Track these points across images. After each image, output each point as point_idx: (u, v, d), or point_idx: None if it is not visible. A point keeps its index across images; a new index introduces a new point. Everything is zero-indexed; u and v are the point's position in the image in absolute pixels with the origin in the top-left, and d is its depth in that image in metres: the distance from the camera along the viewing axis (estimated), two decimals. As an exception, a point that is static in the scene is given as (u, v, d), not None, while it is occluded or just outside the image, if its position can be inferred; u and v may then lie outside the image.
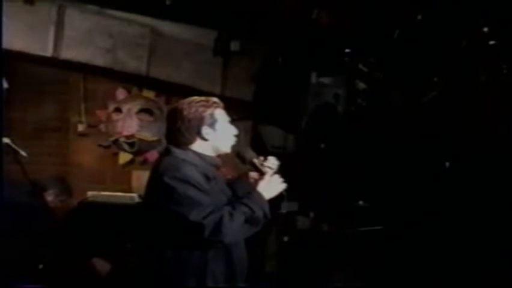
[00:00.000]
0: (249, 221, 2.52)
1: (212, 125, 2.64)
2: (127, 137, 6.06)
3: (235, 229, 2.48)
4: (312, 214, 5.21)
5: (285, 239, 5.18)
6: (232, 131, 2.73)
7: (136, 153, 6.17)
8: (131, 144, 6.10)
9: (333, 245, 4.99)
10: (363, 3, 4.74)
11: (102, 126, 6.17)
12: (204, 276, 2.55)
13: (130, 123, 6.05)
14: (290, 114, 5.36)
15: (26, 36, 5.03)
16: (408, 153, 4.77)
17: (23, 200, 4.16)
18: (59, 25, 5.17)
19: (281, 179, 2.69)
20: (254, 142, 5.32)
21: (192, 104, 2.65)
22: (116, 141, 6.12)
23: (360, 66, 5.06)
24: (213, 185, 2.61)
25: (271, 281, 5.00)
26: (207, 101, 2.67)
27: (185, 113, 2.62)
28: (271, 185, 2.66)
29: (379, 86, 5.07)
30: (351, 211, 5.01)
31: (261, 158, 2.80)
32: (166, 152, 2.66)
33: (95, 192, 5.55)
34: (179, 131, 2.62)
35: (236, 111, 2.79)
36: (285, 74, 5.32)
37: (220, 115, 2.68)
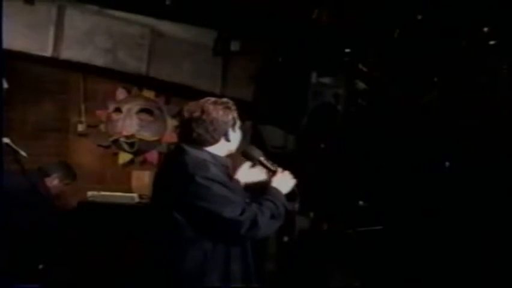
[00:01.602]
0: (275, 216, 2.63)
1: (234, 127, 2.76)
2: (127, 137, 6.05)
3: (266, 224, 2.59)
4: (312, 214, 5.21)
5: (285, 239, 5.18)
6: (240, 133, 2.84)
7: (135, 153, 6.17)
8: (131, 144, 6.10)
9: (333, 245, 4.99)
10: (363, 3, 4.74)
11: (102, 126, 6.17)
12: (227, 275, 2.62)
13: (130, 123, 6.05)
14: (290, 114, 5.36)
15: (26, 36, 5.02)
16: (408, 153, 4.77)
17: (22, 194, 4.14)
18: (59, 25, 5.16)
19: (291, 176, 2.80)
20: (254, 142, 5.32)
21: (217, 106, 2.72)
22: (116, 141, 6.11)
23: (360, 66, 5.06)
24: (234, 184, 2.72)
25: (271, 281, 5.00)
26: (228, 103, 2.77)
27: (214, 114, 2.69)
28: (284, 181, 2.77)
29: (379, 86, 5.07)
30: (351, 211, 5.01)
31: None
32: (180, 151, 2.69)
33: (95, 192, 5.56)
34: (207, 131, 2.68)
35: (236, 112, 2.82)
36: (285, 74, 5.32)
37: (237, 118, 2.79)
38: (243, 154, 2.87)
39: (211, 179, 2.57)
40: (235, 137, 2.78)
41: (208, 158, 2.67)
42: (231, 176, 2.74)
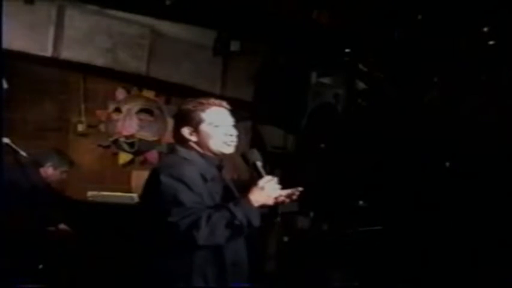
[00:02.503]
0: (230, 226, 2.44)
1: (195, 126, 2.61)
2: (127, 137, 6.07)
3: (210, 233, 2.41)
4: (312, 214, 5.21)
5: (285, 239, 5.18)
6: (228, 131, 2.66)
7: (135, 153, 6.18)
8: (131, 144, 6.11)
9: (333, 245, 4.99)
10: (363, 3, 4.74)
11: (102, 126, 6.18)
12: (190, 278, 2.51)
13: (130, 123, 6.06)
14: (290, 114, 5.36)
15: (26, 36, 5.02)
16: (408, 153, 4.77)
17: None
18: (59, 25, 5.16)
19: (277, 185, 2.57)
20: (254, 142, 5.32)
21: (186, 104, 2.67)
22: (116, 141, 6.12)
23: (360, 66, 5.06)
24: (209, 186, 2.56)
25: (271, 281, 5.00)
26: (199, 102, 2.65)
27: (178, 112, 2.69)
28: (263, 192, 2.54)
29: (379, 86, 5.07)
30: (351, 211, 5.01)
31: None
32: (171, 150, 2.68)
33: (95, 192, 5.56)
34: (175, 129, 2.67)
35: (236, 112, 2.75)
36: (285, 74, 5.32)
37: (211, 116, 2.63)
38: (241, 155, 2.80)
39: (174, 177, 2.45)
40: (198, 136, 2.61)
41: (192, 157, 2.59)
42: (207, 178, 2.56)
